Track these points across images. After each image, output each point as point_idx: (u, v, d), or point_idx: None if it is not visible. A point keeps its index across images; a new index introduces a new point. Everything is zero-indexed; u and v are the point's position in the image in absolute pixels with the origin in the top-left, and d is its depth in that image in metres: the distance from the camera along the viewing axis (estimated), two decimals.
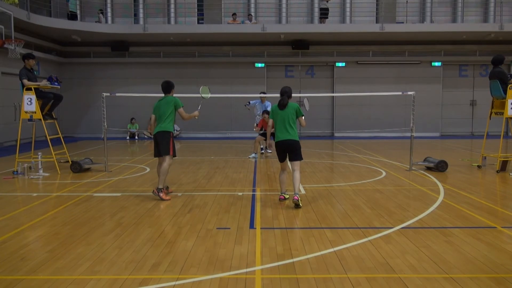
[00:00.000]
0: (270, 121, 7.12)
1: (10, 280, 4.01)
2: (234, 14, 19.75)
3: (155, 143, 7.54)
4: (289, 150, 6.96)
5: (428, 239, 5.13)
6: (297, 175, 6.84)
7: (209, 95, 8.56)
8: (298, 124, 7.05)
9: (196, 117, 7.94)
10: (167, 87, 7.62)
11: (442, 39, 20.21)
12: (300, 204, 6.64)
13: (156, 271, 4.19)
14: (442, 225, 5.74)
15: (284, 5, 20.38)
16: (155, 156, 7.65)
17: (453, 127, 21.31)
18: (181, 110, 7.52)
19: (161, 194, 7.28)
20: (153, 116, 7.60)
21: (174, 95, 7.69)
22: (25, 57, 10.07)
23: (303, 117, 7.02)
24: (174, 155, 7.55)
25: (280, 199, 7.12)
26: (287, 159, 7.07)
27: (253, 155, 12.79)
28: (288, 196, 7.14)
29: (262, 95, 13.75)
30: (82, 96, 20.78)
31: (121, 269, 4.26)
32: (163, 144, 7.39)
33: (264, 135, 12.61)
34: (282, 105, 6.94)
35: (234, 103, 20.03)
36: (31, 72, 10.09)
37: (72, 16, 18.75)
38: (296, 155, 6.94)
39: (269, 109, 13.00)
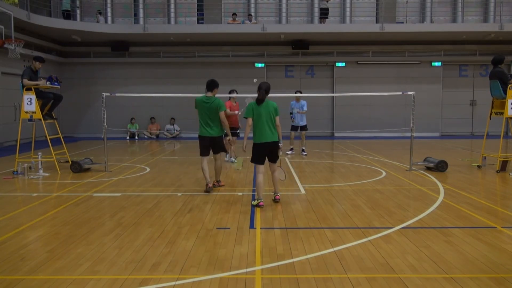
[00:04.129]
0: (249, 120, 6.75)
1: (10, 280, 4.01)
2: (234, 14, 19.75)
3: (206, 144, 7.85)
4: (270, 152, 6.79)
5: (428, 239, 5.13)
6: (277, 175, 7.06)
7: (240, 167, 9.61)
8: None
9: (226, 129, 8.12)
10: (211, 85, 7.80)
11: (442, 39, 20.21)
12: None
13: (156, 271, 4.19)
14: (442, 225, 5.74)
15: (284, 5, 20.39)
16: (204, 155, 7.89)
17: (453, 127, 21.31)
18: (222, 113, 7.75)
19: (220, 184, 8.30)
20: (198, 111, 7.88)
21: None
22: (35, 58, 10.21)
23: (278, 118, 6.75)
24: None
25: (276, 198, 6.95)
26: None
27: (233, 159, 11.78)
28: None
29: (298, 94, 13.09)
30: (82, 96, 20.78)
31: (121, 269, 4.26)
32: (218, 146, 7.96)
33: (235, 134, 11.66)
34: (259, 100, 6.65)
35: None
36: (35, 73, 10.14)
37: (67, 15, 18.61)
38: (276, 156, 6.88)
39: (305, 108, 13.06)
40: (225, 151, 8.05)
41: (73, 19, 19.50)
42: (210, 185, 7.88)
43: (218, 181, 8.33)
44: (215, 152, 8.04)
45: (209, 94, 7.79)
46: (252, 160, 6.89)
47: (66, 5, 18.72)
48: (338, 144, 17.31)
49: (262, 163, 6.86)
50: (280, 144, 6.86)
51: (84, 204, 7.01)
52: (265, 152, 6.79)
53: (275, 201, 6.97)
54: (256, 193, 6.82)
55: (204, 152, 7.91)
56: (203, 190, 7.99)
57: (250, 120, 6.75)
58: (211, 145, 7.89)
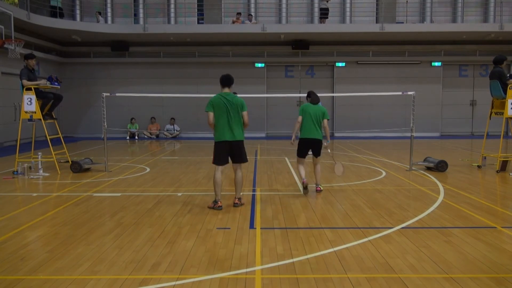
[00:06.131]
0: (299, 118, 7.57)
1: (10, 280, 4.00)
2: (238, 13, 19.74)
3: (227, 150, 6.58)
4: (314, 148, 7.63)
5: (428, 239, 5.13)
6: (319, 168, 7.86)
7: None
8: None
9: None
10: (230, 80, 6.64)
11: (442, 39, 20.21)
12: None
13: (156, 271, 4.19)
14: (442, 225, 5.74)
15: (284, 5, 20.38)
16: (222, 164, 6.62)
17: (453, 127, 21.30)
18: (245, 113, 6.60)
19: (242, 201, 6.83)
20: (211, 114, 6.54)
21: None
22: (26, 57, 10.11)
23: (327, 121, 7.64)
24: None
25: (317, 190, 7.79)
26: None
27: None
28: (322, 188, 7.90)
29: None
30: (82, 96, 20.77)
31: (121, 269, 4.26)
32: (242, 153, 6.67)
33: None
34: (316, 100, 7.63)
35: None
36: (32, 72, 10.11)
37: (57, 13, 18.23)
38: (318, 151, 7.70)
39: None
40: (247, 160, 6.82)
41: (72, 18, 19.46)
42: (221, 203, 6.58)
43: (239, 199, 6.80)
44: (236, 161, 6.69)
45: (227, 90, 6.66)
46: (297, 154, 7.79)
47: (54, 1, 18.34)
48: (338, 144, 17.30)
49: (304, 156, 7.76)
50: (325, 144, 7.65)
51: (84, 204, 7.01)
52: (309, 147, 7.64)
53: (317, 191, 7.73)
54: (315, 179, 7.90)
55: (221, 160, 6.58)
56: (208, 206, 6.74)
57: (300, 118, 7.58)
58: (232, 151, 6.60)
